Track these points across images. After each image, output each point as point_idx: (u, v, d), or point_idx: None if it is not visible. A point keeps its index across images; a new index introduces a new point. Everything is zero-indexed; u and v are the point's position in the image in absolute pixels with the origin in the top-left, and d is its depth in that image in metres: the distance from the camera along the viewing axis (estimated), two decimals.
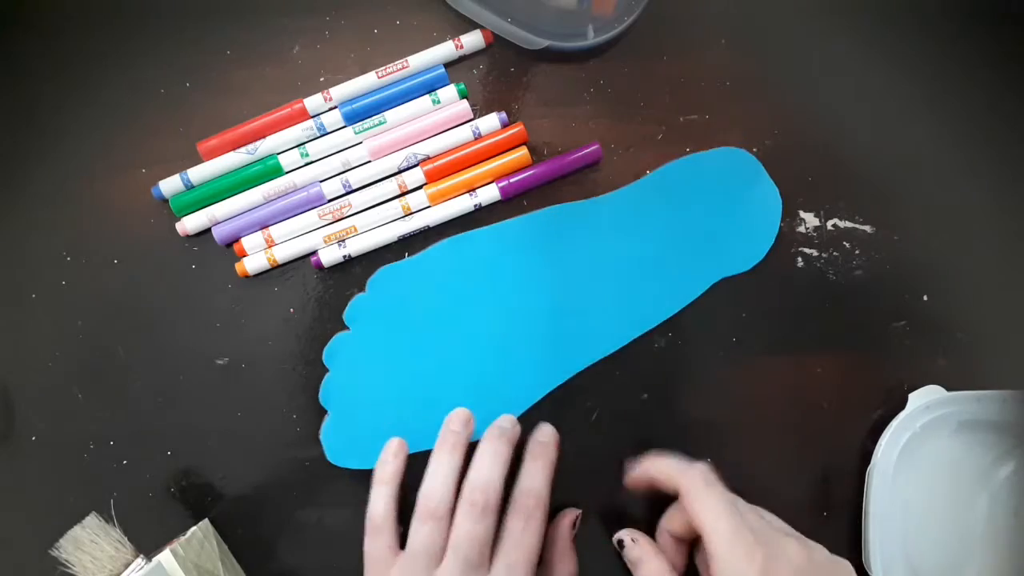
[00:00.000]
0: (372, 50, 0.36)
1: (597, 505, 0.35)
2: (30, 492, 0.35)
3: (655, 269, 0.35)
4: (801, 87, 0.36)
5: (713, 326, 0.36)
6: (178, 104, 0.35)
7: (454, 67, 0.36)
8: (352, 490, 0.35)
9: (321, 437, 0.35)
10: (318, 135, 0.35)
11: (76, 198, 0.35)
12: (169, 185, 0.35)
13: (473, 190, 0.35)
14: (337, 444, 0.35)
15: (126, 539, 0.32)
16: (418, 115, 0.35)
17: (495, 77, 0.36)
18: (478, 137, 0.35)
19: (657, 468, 0.30)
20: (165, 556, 0.31)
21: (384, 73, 0.35)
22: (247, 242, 0.35)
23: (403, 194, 0.35)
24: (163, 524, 0.35)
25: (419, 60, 0.35)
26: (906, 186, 0.36)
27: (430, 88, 0.35)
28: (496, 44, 0.36)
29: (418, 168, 0.35)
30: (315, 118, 0.35)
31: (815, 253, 0.36)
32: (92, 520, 0.32)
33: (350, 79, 0.35)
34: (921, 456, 0.35)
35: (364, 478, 0.35)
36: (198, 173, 0.35)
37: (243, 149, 0.35)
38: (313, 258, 0.35)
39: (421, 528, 0.28)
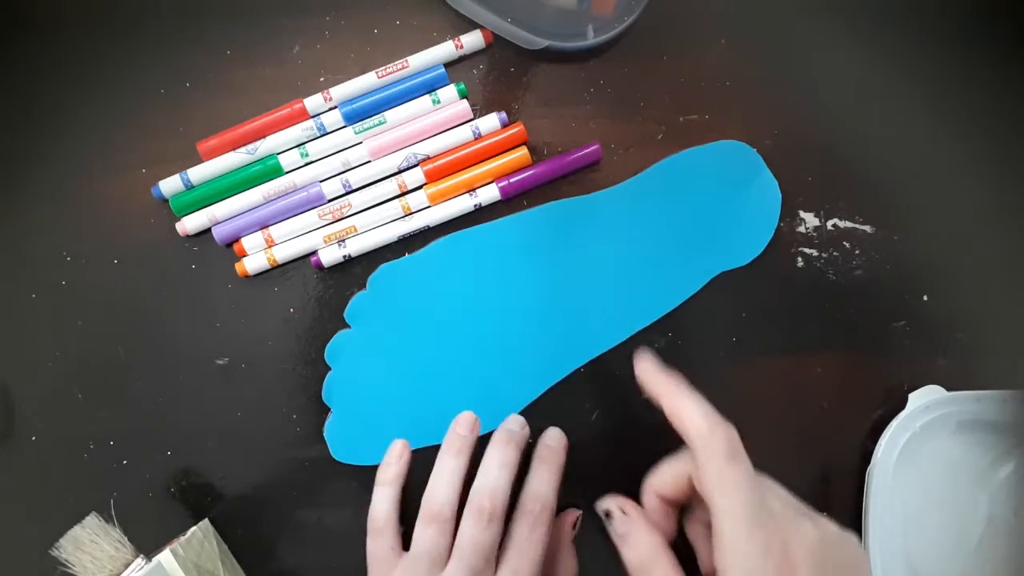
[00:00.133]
0: (372, 50, 0.36)
1: None
2: (30, 492, 0.35)
3: (655, 264, 0.35)
4: (801, 87, 0.36)
5: (713, 326, 0.36)
6: (178, 104, 0.35)
7: (454, 67, 0.36)
8: (352, 490, 0.35)
9: (325, 435, 0.35)
10: (318, 135, 0.35)
11: (76, 198, 0.35)
12: (169, 185, 0.35)
13: (473, 190, 0.35)
14: (341, 441, 0.35)
15: (126, 539, 0.32)
16: (418, 115, 0.35)
17: (495, 77, 0.36)
18: (478, 137, 0.35)
19: (675, 413, 0.26)
20: (165, 556, 0.31)
21: (384, 73, 0.35)
22: (247, 242, 0.35)
23: (403, 194, 0.35)
24: (163, 524, 0.35)
25: (419, 60, 0.35)
26: (906, 186, 0.36)
27: (430, 88, 0.35)
28: (496, 44, 0.36)
29: (418, 168, 0.35)
30: (315, 118, 0.35)
31: (815, 253, 0.36)
32: (92, 520, 0.32)
33: (350, 79, 0.35)
34: (921, 456, 0.35)
35: (364, 478, 0.35)
36: (198, 173, 0.35)
37: (243, 149, 0.35)
38: (313, 258, 0.35)
39: (425, 531, 0.28)
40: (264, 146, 0.35)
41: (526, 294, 0.35)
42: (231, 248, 0.36)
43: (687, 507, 0.29)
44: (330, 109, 0.35)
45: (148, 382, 0.35)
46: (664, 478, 0.28)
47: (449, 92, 0.35)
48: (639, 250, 0.35)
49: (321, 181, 0.35)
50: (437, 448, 0.35)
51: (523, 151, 0.35)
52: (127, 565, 0.31)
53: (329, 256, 0.35)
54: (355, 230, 0.35)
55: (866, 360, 0.36)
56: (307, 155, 0.35)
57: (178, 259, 0.35)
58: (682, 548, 0.28)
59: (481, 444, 0.31)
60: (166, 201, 0.35)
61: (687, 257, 0.35)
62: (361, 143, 0.35)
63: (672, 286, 0.35)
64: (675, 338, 0.36)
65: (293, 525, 0.36)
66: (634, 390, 0.36)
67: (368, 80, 0.35)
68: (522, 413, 0.35)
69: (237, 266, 0.35)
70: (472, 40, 0.35)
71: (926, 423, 0.34)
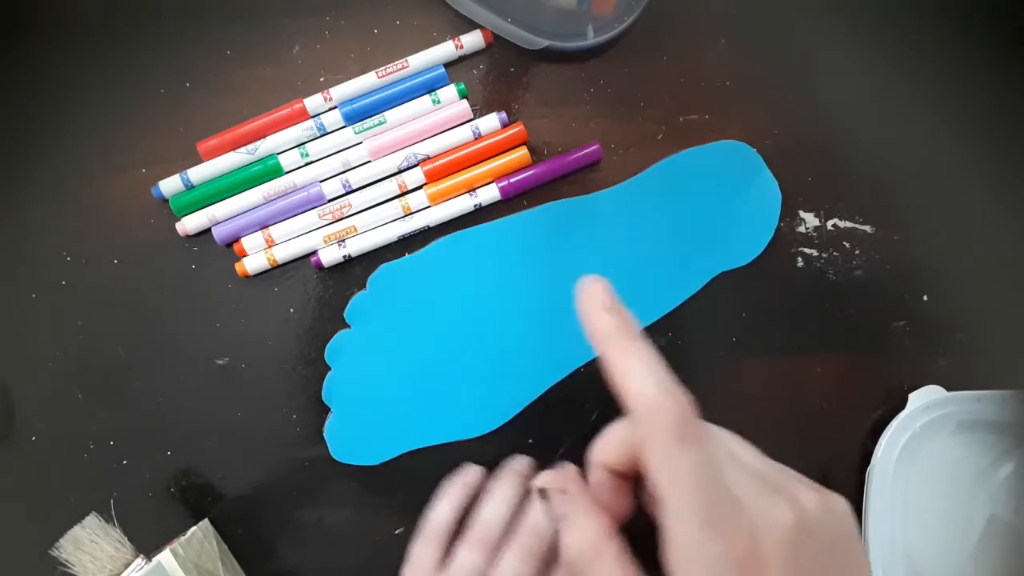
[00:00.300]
0: (372, 50, 0.36)
1: None
2: (30, 492, 0.35)
3: (655, 264, 0.35)
4: (801, 87, 0.36)
5: (713, 326, 0.36)
6: (178, 104, 0.35)
7: (454, 67, 0.36)
8: (352, 490, 0.35)
9: (325, 435, 0.35)
10: (318, 135, 0.35)
11: (76, 198, 0.35)
12: (169, 185, 0.35)
13: (473, 190, 0.35)
14: (341, 441, 0.35)
15: (126, 539, 0.32)
16: (418, 115, 0.35)
17: (495, 77, 0.36)
18: (478, 137, 0.35)
19: (617, 371, 0.20)
20: (165, 556, 0.31)
21: (384, 73, 0.35)
22: (247, 242, 0.35)
23: (403, 194, 0.35)
24: (163, 524, 0.35)
25: (419, 60, 0.35)
26: (906, 186, 0.36)
27: (430, 88, 0.35)
28: (496, 44, 0.36)
29: (418, 168, 0.35)
30: (315, 118, 0.35)
31: (815, 253, 0.36)
32: (92, 520, 0.32)
33: (350, 79, 0.35)
34: (921, 456, 0.35)
35: (364, 478, 0.35)
36: (198, 173, 0.35)
37: (243, 149, 0.35)
38: (313, 258, 0.35)
39: (468, 553, 0.28)
40: (264, 146, 0.35)
41: (526, 294, 0.35)
42: (231, 248, 0.36)
43: (644, 479, 0.23)
44: (330, 109, 0.35)
45: (148, 382, 0.35)
46: (610, 446, 0.22)
47: (449, 92, 0.35)
48: (639, 250, 0.35)
49: (321, 181, 0.35)
50: (438, 448, 0.35)
51: (523, 151, 0.35)
52: (127, 565, 0.31)
53: (329, 256, 0.35)
54: (355, 230, 0.35)
55: (866, 360, 0.36)
56: (307, 155, 0.35)
57: (178, 259, 0.35)
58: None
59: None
60: (166, 201, 0.35)
61: (687, 257, 0.35)
62: (361, 143, 0.35)
63: (672, 286, 0.35)
64: (675, 338, 0.36)
65: (293, 525, 0.36)
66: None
67: (368, 80, 0.35)
68: (522, 413, 0.35)
69: (237, 266, 0.35)
70: (472, 40, 0.35)
71: (926, 423, 0.34)
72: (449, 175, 0.35)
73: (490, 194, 0.35)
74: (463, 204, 0.35)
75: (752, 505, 0.19)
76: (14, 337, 0.35)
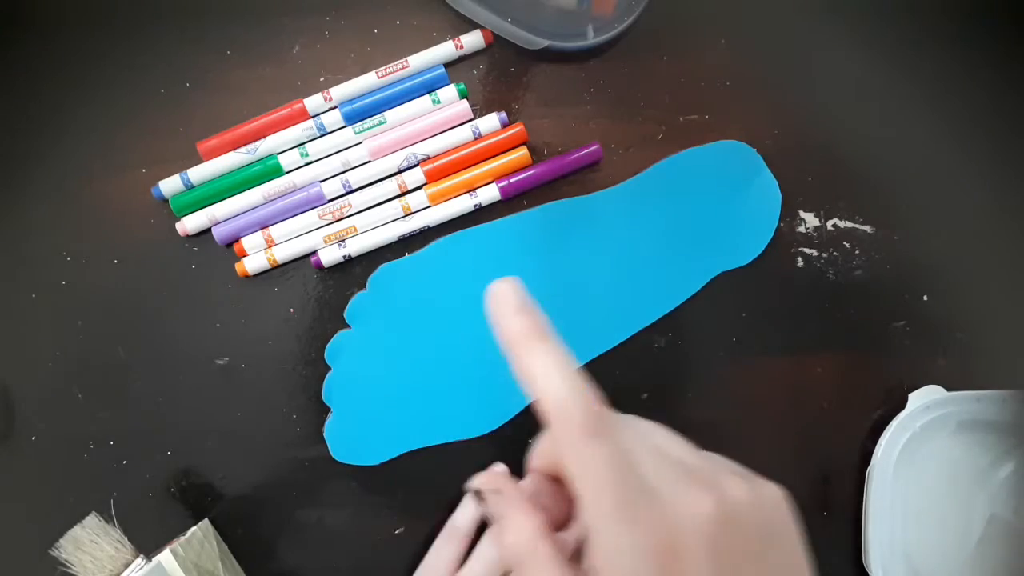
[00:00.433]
0: (372, 50, 0.36)
1: None
2: (30, 492, 0.35)
3: (655, 264, 0.35)
4: (801, 87, 0.36)
5: (713, 326, 0.36)
6: (178, 104, 0.35)
7: (454, 67, 0.36)
8: (352, 490, 0.35)
9: (325, 435, 0.35)
10: (318, 135, 0.35)
11: (76, 198, 0.35)
12: (169, 185, 0.35)
13: (473, 190, 0.35)
14: (341, 441, 0.35)
15: (126, 539, 0.32)
16: (418, 115, 0.35)
17: (495, 77, 0.36)
18: (478, 137, 0.35)
19: (524, 371, 0.19)
20: (165, 556, 0.31)
21: (384, 73, 0.35)
22: (247, 242, 0.35)
23: (403, 194, 0.35)
24: (163, 524, 0.35)
25: (419, 60, 0.35)
26: (906, 186, 0.36)
27: (430, 88, 0.35)
28: (496, 44, 0.36)
29: (418, 168, 0.35)
30: (315, 118, 0.35)
31: (815, 253, 0.36)
32: (92, 520, 0.32)
33: (350, 79, 0.35)
34: (921, 456, 0.35)
35: (364, 478, 0.35)
36: (198, 173, 0.35)
37: (243, 149, 0.35)
38: (313, 258, 0.35)
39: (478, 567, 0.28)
40: (264, 146, 0.35)
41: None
42: (231, 248, 0.36)
43: None
44: (330, 109, 0.35)
45: (148, 382, 0.35)
46: (541, 451, 0.22)
47: (449, 92, 0.35)
48: (639, 250, 0.35)
49: (321, 181, 0.35)
50: (438, 448, 0.35)
51: (523, 151, 0.35)
52: (127, 565, 0.31)
53: (329, 256, 0.35)
54: (355, 230, 0.35)
55: (866, 360, 0.36)
56: (307, 155, 0.35)
57: (178, 259, 0.35)
58: None
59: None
60: (166, 201, 0.35)
61: (687, 257, 0.35)
62: (361, 143, 0.35)
63: (672, 286, 0.35)
64: (675, 338, 0.36)
65: (293, 525, 0.35)
66: (634, 390, 0.36)
67: (368, 80, 0.35)
68: (521, 413, 0.35)
69: (237, 266, 0.35)
70: (472, 40, 0.35)
71: (926, 423, 0.34)
72: (449, 175, 0.35)
73: (490, 194, 0.35)
74: (463, 204, 0.35)
75: (670, 496, 0.18)
76: (14, 337, 0.35)
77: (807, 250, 0.36)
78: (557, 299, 0.35)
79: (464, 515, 0.33)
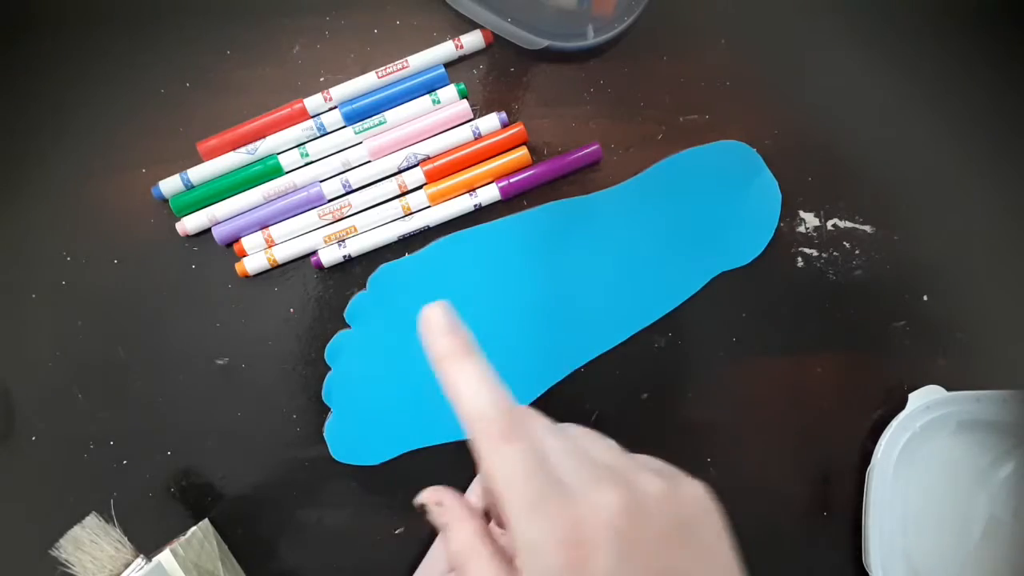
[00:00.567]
0: (372, 50, 0.36)
1: None
2: (30, 492, 0.35)
3: (655, 264, 0.35)
4: (801, 87, 0.36)
5: (713, 326, 0.36)
6: (178, 104, 0.35)
7: (454, 67, 0.36)
8: (352, 490, 0.35)
9: (325, 435, 0.35)
10: (318, 135, 0.35)
11: (76, 198, 0.35)
12: (169, 185, 0.35)
13: (473, 190, 0.35)
14: (341, 441, 0.35)
15: (126, 539, 0.32)
16: (418, 115, 0.35)
17: (495, 77, 0.36)
18: (478, 137, 0.35)
19: (448, 384, 0.21)
20: (165, 556, 0.31)
21: (384, 73, 0.35)
22: (247, 242, 0.35)
23: (403, 194, 0.35)
24: (163, 524, 0.35)
25: (419, 60, 0.35)
26: (906, 186, 0.36)
27: (430, 88, 0.35)
28: (496, 44, 0.36)
29: (418, 168, 0.35)
30: (315, 118, 0.35)
31: (815, 253, 0.36)
32: (92, 520, 0.32)
33: (350, 79, 0.35)
34: (921, 456, 0.35)
35: (364, 478, 0.35)
36: (198, 173, 0.35)
37: (243, 149, 0.35)
38: (313, 258, 0.35)
39: None
40: (264, 146, 0.35)
41: (526, 294, 0.35)
42: (231, 248, 0.36)
43: None
44: (330, 109, 0.35)
45: (148, 382, 0.35)
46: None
47: (449, 92, 0.35)
48: (639, 250, 0.35)
49: (321, 181, 0.35)
50: (438, 448, 0.35)
51: (523, 151, 0.35)
52: (127, 565, 0.31)
53: (329, 256, 0.35)
54: (355, 230, 0.35)
55: (866, 360, 0.36)
56: (307, 155, 0.35)
57: (178, 259, 0.35)
58: None
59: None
60: (166, 201, 0.35)
61: (687, 257, 0.35)
62: (361, 143, 0.35)
63: (672, 286, 0.35)
64: (675, 338, 0.36)
65: (293, 525, 0.35)
66: (634, 390, 0.36)
67: (368, 80, 0.35)
68: None
69: (237, 266, 0.35)
70: (472, 40, 0.35)
71: (926, 423, 0.34)
72: (449, 175, 0.35)
73: (490, 194, 0.35)
74: (463, 204, 0.35)
75: (580, 491, 0.19)
76: (14, 337, 0.35)
77: (807, 250, 0.36)
78: (557, 299, 0.35)
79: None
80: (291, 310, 0.35)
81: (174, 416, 0.35)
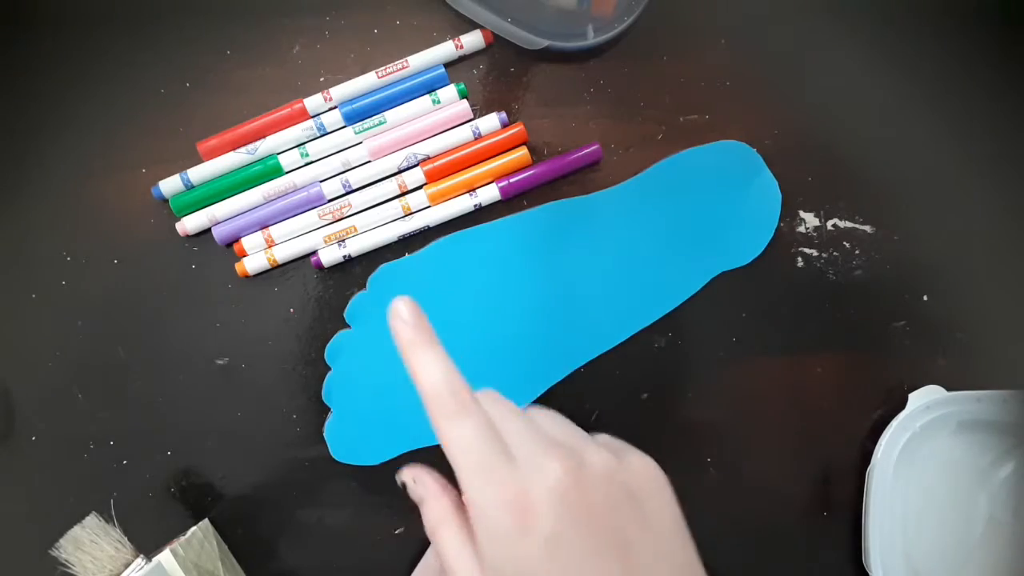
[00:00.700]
0: (372, 50, 0.36)
1: None
2: (30, 492, 0.35)
3: (655, 264, 0.35)
4: (801, 87, 0.36)
5: (713, 326, 0.36)
6: (178, 104, 0.35)
7: (454, 67, 0.36)
8: (352, 490, 0.35)
9: (325, 435, 0.35)
10: (318, 135, 0.35)
11: (76, 198, 0.35)
12: (169, 185, 0.35)
13: (473, 190, 0.35)
14: (341, 441, 0.35)
15: (126, 539, 0.32)
16: (418, 115, 0.35)
17: (495, 77, 0.36)
18: (478, 137, 0.35)
19: (411, 368, 0.23)
20: (165, 556, 0.31)
21: (384, 73, 0.35)
22: (247, 242, 0.35)
23: (403, 194, 0.35)
24: (163, 524, 0.35)
25: (419, 60, 0.35)
26: (906, 186, 0.36)
27: (430, 88, 0.35)
28: (496, 44, 0.36)
29: (418, 168, 0.35)
30: (315, 118, 0.35)
31: (815, 253, 0.36)
32: (92, 520, 0.32)
33: (350, 79, 0.35)
34: (921, 456, 0.35)
35: (364, 478, 0.35)
36: (198, 173, 0.35)
37: (243, 149, 0.35)
38: (313, 258, 0.35)
39: None
40: (264, 146, 0.35)
41: (526, 294, 0.35)
42: (231, 248, 0.36)
43: None
44: (330, 109, 0.35)
45: (148, 382, 0.35)
46: None
47: (449, 92, 0.35)
48: (639, 250, 0.35)
49: (321, 181, 0.35)
50: (438, 448, 0.35)
51: (523, 151, 0.35)
52: (127, 565, 0.31)
53: (329, 256, 0.35)
54: (355, 230, 0.35)
55: (866, 360, 0.36)
56: (307, 155, 0.35)
57: (178, 259, 0.35)
58: None
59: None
60: (166, 201, 0.35)
61: (687, 257, 0.35)
62: (361, 143, 0.35)
63: (672, 286, 0.35)
64: (675, 338, 0.36)
65: (293, 525, 0.36)
66: (634, 390, 0.36)
67: (368, 80, 0.35)
68: None
69: (237, 266, 0.35)
70: (472, 40, 0.35)
71: (926, 423, 0.34)
72: (449, 175, 0.35)
73: (490, 194, 0.35)
74: (463, 204, 0.35)
75: (527, 461, 0.21)
76: (14, 337, 0.35)
77: (807, 250, 0.36)
78: (557, 299, 0.35)
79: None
80: (291, 310, 0.35)
81: (174, 416, 0.35)
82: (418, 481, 0.25)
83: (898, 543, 0.34)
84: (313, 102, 0.35)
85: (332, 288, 0.36)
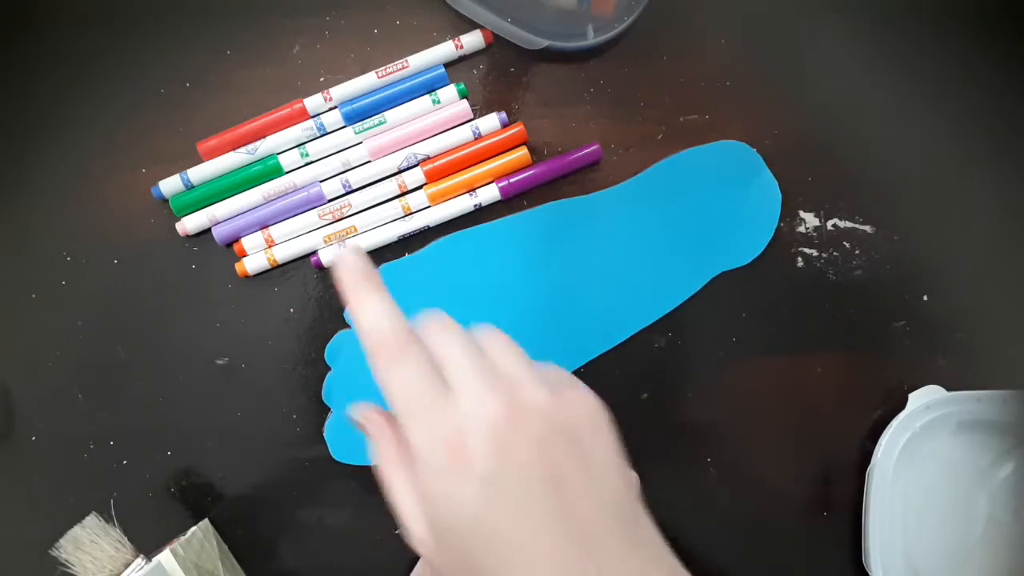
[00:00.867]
0: (372, 50, 0.36)
1: None
2: (30, 492, 0.35)
3: (655, 264, 0.35)
4: (801, 87, 0.36)
5: (713, 326, 0.36)
6: (178, 104, 0.35)
7: (454, 67, 0.36)
8: (352, 490, 0.35)
9: (325, 435, 0.35)
10: (318, 135, 0.35)
11: (76, 198, 0.35)
12: (169, 185, 0.35)
13: (473, 190, 0.35)
14: (341, 441, 0.35)
15: (126, 539, 0.32)
16: (418, 115, 0.35)
17: (495, 77, 0.36)
18: (478, 137, 0.35)
19: (352, 310, 0.23)
20: (165, 556, 0.31)
21: (384, 73, 0.35)
22: (247, 242, 0.35)
23: (403, 194, 0.35)
24: (163, 524, 0.35)
25: (419, 60, 0.35)
26: (906, 186, 0.36)
27: (430, 88, 0.35)
28: (496, 44, 0.36)
29: (418, 168, 0.35)
30: (315, 118, 0.35)
31: (815, 253, 0.36)
32: (92, 520, 0.32)
33: (350, 79, 0.35)
34: (921, 456, 0.35)
35: (364, 478, 0.35)
36: (198, 173, 0.35)
37: (243, 149, 0.35)
38: (313, 258, 0.35)
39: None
40: (264, 146, 0.35)
41: (526, 294, 0.35)
42: (231, 248, 0.36)
43: None
44: (330, 109, 0.35)
45: (148, 382, 0.35)
46: None
47: (449, 92, 0.35)
48: (639, 250, 0.35)
49: (321, 181, 0.35)
50: None
51: (523, 151, 0.35)
52: (127, 565, 0.31)
53: (329, 256, 0.35)
54: (355, 230, 0.35)
55: (866, 360, 0.36)
56: (307, 155, 0.35)
57: (178, 259, 0.35)
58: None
59: None
60: (166, 201, 0.35)
61: (687, 257, 0.35)
62: (361, 143, 0.35)
63: (672, 286, 0.35)
64: (675, 338, 0.36)
65: (293, 525, 0.36)
66: (634, 390, 0.36)
67: (368, 80, 0.35)
68: None
69: (237, 266, 0.35)
70: (472, 40, 0.35)
71: (926, 423, 0.34)
72: (449, 175, 0.35)
73: (490, 194, 0.35)
74: (463, 204, 0.35)
75: (464, 397, 0.21)
76: (14, 337, 0.35)
77: (807, 250, 0.36)
78: (557, 299, 0.35)
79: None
80: (291, 310, 0.35)
81: (174, 416, 0.35)
82: (367, 420, 0.25)
83: (898, 543, 0.34)
84: (313, 102, 0.35)
85: (332, 288, 0.36)
